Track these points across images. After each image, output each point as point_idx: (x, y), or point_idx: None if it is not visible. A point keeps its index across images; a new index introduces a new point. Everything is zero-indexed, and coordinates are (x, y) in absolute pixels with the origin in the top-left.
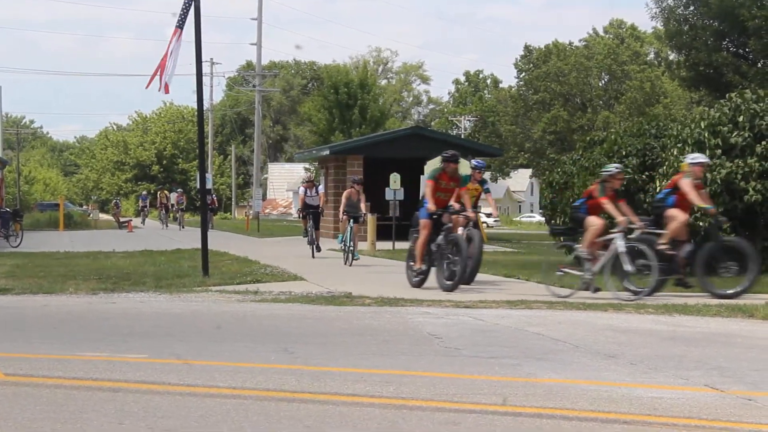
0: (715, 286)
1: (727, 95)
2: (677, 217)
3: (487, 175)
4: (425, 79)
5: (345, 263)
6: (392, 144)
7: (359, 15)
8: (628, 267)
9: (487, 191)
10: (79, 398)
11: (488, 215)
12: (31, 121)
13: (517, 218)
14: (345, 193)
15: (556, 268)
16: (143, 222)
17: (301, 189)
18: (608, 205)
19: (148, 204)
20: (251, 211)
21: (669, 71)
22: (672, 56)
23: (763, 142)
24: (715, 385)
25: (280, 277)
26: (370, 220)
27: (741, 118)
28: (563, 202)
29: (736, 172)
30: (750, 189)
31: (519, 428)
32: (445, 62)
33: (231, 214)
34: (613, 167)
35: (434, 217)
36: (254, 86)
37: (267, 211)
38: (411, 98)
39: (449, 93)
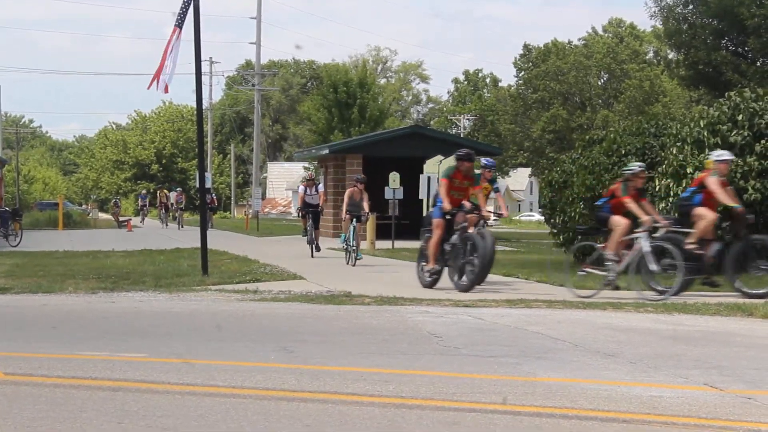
0: (744, 285)
1: (726, 94)
2: (706, 216)
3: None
4: (424, 78)
5: (347, 263)
6: (391, 143)
7: (358, 14)
8: (653, 267)
9: (497, 190)
10: (78, 397)
11: (499, 215)
12: (31, 121)
13: (517, 217)
14: (347, 192)
15: (578, 268)
16: (142, 221)
17: (301, 188)
18: (631, 204)
19: (147, 203)
20: (251, 210)
21: (668, 70)
22: (671, 55)
23: (762, 141)
24: (715, 383)
25: (280, 276)
26: (370, 219)
27: (740, 117)
28: (562, 201)
29: (735, 171)
30: (749, 188)
31: (518, 427)
32: (444, 61)
33: (230, 213)
34: (635, 166)
35: (447, 216)
36: (253, 85)
37: (266, 210)
38: (410, 97)
39: (448, 92)
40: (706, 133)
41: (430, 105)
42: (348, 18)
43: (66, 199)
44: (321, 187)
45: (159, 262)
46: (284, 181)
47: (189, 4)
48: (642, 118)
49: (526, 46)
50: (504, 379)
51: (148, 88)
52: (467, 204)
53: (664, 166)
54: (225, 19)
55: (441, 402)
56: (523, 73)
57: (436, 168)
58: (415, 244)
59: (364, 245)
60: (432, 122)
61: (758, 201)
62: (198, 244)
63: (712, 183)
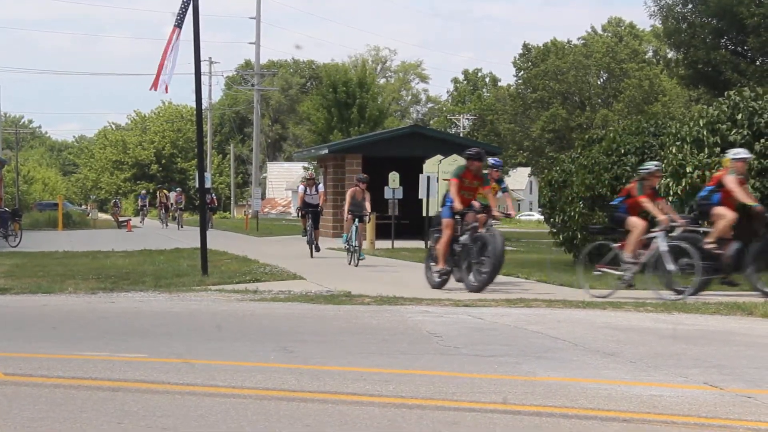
0: (765, 284)
1: (725, 93)
2: (725, 215)
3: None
4: (424, 78)
5: (349, 263)
6: (391, 143)
7: (357, 14)
8: (670, 266)
9: (505, 190)
10: (78, 398)
11: (507, 215)
12: (30, 121)
13: (516, 216)
14: (349, 192)
15: (593, 268)
16: (142, 221)
17: (301, 187)
18: (648, 204)
19: (147, 203)
20: (250, 210)
21: (667, 69)
22: (670, 54)
23: (762, 140)
24: (714, 382)
25: (280, 276)
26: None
27: (739, 116)
28: (562, 201)
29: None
30: (749, 187)
31: (518, 426)
32: (443, 61)
33: (230, 213)
34: (651, 165)
35: (456, 216)
36: (253, 85)
37: (266, 210)
38: (410, 97)
39: (448, 92)
40: (705, 132)
41: (430, 105)
42: (347, 18)
43: (65, 200)
44: (321, 186)
45: (159, 262)
46: (284, 181)
47: (188, 3)
48: (641, 117)
49: (525, 46)
50: (504, 379)
51: (151, 89)
52: (476, 204)
53: (663, 166)
54: (224, 19)
55: (441, 402)
56: (522, 72)
57: (435, 168)
58: (415, 244)
59: (363, 245)
60: (431, 122)
61: (758, 200)
62: (198, 244)
63: (730, 181)
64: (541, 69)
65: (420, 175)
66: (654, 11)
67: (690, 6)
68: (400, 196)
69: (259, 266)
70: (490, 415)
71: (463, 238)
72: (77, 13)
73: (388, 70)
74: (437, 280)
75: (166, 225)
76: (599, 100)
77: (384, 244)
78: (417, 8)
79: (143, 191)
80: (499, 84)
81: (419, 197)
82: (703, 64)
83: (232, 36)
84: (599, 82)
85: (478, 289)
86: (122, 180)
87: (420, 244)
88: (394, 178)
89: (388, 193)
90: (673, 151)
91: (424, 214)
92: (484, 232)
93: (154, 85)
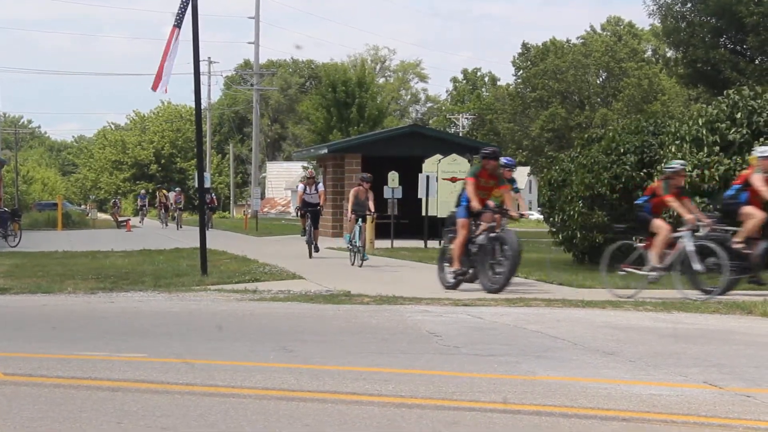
0: None
1: (724, 92)
2: (754, 214)
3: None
4: (423, 78)
5: (352, 263)
6: (390, 142)
7: (357, 13)
8: (697, 266)
9: (517, 191)
10: (78, 398)
11: (521, 215)
12: (29, 121)
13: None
14: (352, 192)
15: (618, 268)
16: (142, 221)
17: (300, 186)
18: (674, 203)
19: (147, 203)
20: (250, 210)
21: (667, 68)
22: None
23: (761, 139)
24: (714, 382)
25: (279, 276)
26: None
27: (739, 115)
28: (561, 200)
29: (734, 169)
30: None
31: (518, 426)
32: (443, 60)
33: (229, 213)
34: (677, 164)
35: (471, 216)
36: (252, 85)
37: (265, 209)
38: (409, 96)
39: (447, 91)
40: (704, 131)
41: (429, 104)
42: (346, 18)
43: (65, 200)
44: (321, 186)
45: (158, 262)
46: (283, 180)
47: (187, 3)
48: (641, 116)
49: (524, 45)
50: (503, 378)
51: (154, 90)
52: (491, 203)
53: (663, 165)
54: (223, 18)
55: (440, 401)
56: (521, 71)
57: (434, 167)
58: (414, 244)
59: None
60: (431, 121)
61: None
62: (197, 244)
63: (757, 180)
64: (540, 68)
65: (419, 175)
66: (653, 10)
67: (689, 5)
68: (400, 196)
69: (259, 266)
70: (489, 415)
71: (480, 239)
72: (77, 13)
73: (388, 69)
74: (452, 280)
75: (166, 225)
76: (598, 99)
77: (383, 243)
78: (416, 8)
79: (143, 191)
80: (499, 83)
81: (418, 197)
82: (702, 63)
83: (231, 36)
84: (598, 82)
85: (497, 290)
86: (121, 180)
87: (419, 243)
88: (393, 177)
89: (387, 193)
90: (673, 150)
91: (424, 213)
92: (501, 233)
93: (156, 86)
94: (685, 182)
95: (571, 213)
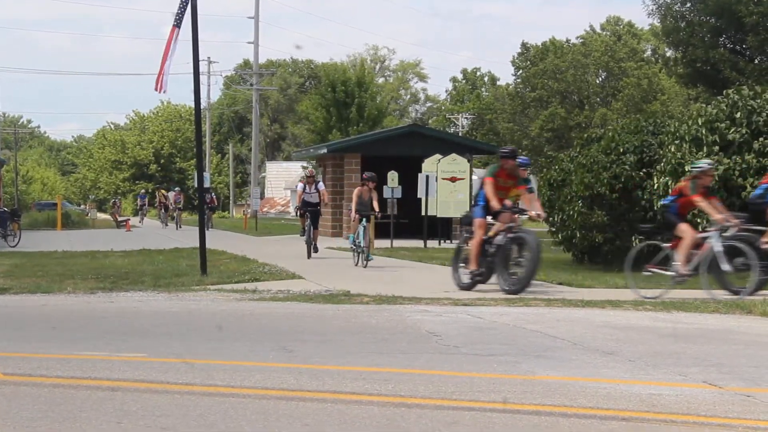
0: None
1: (724, 92)
2: None
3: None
4: (422, 77)
5: (356, 264)
6: (390, 142)
7: (356, 13)
8: (725, 266)
9: (531, 191)
10: (77, 397)
11: (538, 216)
12: (29, 121)
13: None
14: (356, 191)
15: (643, 269)
16: (141, 221)
17: (300, 186)
18: (702, 203)
19: (146, 203)
20: (249, 210)
21: (666, 68)
22: (669, 53)
23: (761, 139)
24: (714, 381)
25: (279, 276)
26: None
27: (738, 115)
28: (561, 200)
29: (733, 169)
30: (747, 186)
31: (517, 426)
32: (442, 60)
33: (229, 212)
34: (704, 163)
35: (487, 216)
36: (251, 85)
37: (265, 209)
38: (408, 96)
39: (446, 91)
40: (704, 131)
41: (429, 104)
42: (346, 17)
43: (64, 199)
44: (321, 185)
45: (158, 262)
46: (283, 180)
47: (187, 3)
48: (640, 116)
49: (524, 45)
50: (503, 378)
51: (159, 90)
52: (508, 202)
53: (662, 164)
54: (223, 18)
55: (440, 401)
56: (521, 71)
57: (434, 167)
58: (414, 243)
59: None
60: (430, 121)
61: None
62: (197, 244)
63: None
64: (539, 68)
65: (419, 175)
66: (652, 10)
67: (689, 4)
68: (399, 196)
69: (258, 266)
70: (489, 415)
71: (498, 239)
72: (77, 13)
73: (387, 69)
74: (467, 281)
75: (166, 225)
76: (598, 99)
77: (383, 243)
78: (416, 8)
79: (142, 191)
80: (498, 83)
81: (418, 196)
82: (701, 63)
83: (230, 35)
84: (598, 81)
85: (516, 291)
86: (121, 180)
87: (419, 243)
88: (392, 177)
89: (386, 193)
90: (672, 149)
91: (423, 213)
92: (521, 233)
93: (158, 87)
94: (712, 181)
95: (571, 213)
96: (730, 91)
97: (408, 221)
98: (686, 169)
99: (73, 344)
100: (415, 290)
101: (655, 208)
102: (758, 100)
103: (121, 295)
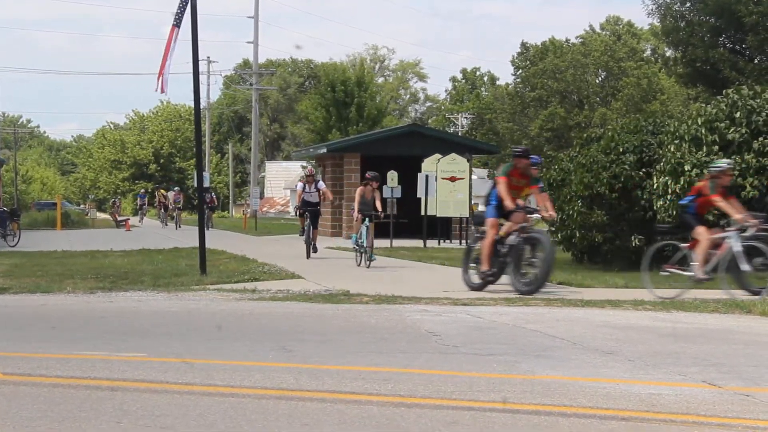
0: None
1: (723, 91)
2: None
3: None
4: (422, 77)
5: (359, 264)
6: (389, 142)
7: (356, 13)
8: (744, 266)
9: (543, 190)
10: (77, 397)
11: (550, 216)
12: (28, 121)
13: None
14: (358, 191)
15: (660, 269)
16: (141, 221)
17: (299, 185)
18: (721, 203)
19: (146, 202)
20: (249, 210)
21: (666, 68)
22: (669, 53)
23: (760, 138)
24: (713, 381)
25: (278, 276)
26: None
27: (738, 114)
28: (560, 200)
29: (733, 169)
30: (747, 185)
31: (517, 425)
32: (442, 60)
33: (228, 212)
34: (723, 163)
35: (500, 216)
36: (251, 84)
37: (264, 209)
38: (408, 96)
39: (446, 90)
40: (703, 131)
41: (428, 104)
42: (346, 17)
43: (64, 199)
44: (321, 183)
45: (157, 261)
46: (282, 180)
47: (186, 3)
48: (640, 115)
49: (523, 45)
50: (502, 378)
51: (161, 91)
52: (521, 202)
53: (662, 164)
54: (223, 18)
55: (439, 401)
56: (520, 71)
57: (434, 167)
58: (413, 243)
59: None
60: (430, 121)
61: (756, 198)
62: (196, 244)
63: None
64: (539, 68)
65: (418, 174)
66: (652, 10)
67: (688, 4)
68: (399, 195)
69: (258, 265)
70: (488, 414)
71: (511, 239)
72: (76, 13)
73: (387, 69)
74: (477, 281)
75: (166, 224)
76: (597, 99)
77: (382, 243)
78: (416, 8)
79: (142, 190)
80: (498, 83)
81: (417, 196)
82: (701, 63)
83: (230, 35)
84: (597, 81)
85: (530, 292)
86: (121, 179)
87: (418, 243)
88: (392, 177)
89: (386, 192)
90: (672, 149)
91: (423, 213)
92: (534, 233)
93: (159, 88)
94: (730, 181)
95: (570, 212)
96: (729, 90)
97: (407, 221)
98: (685, 169)
99: (72, 344)
100: (414, 290)
101: (655, 207)
102: (758, 100)
103: (120, 294)
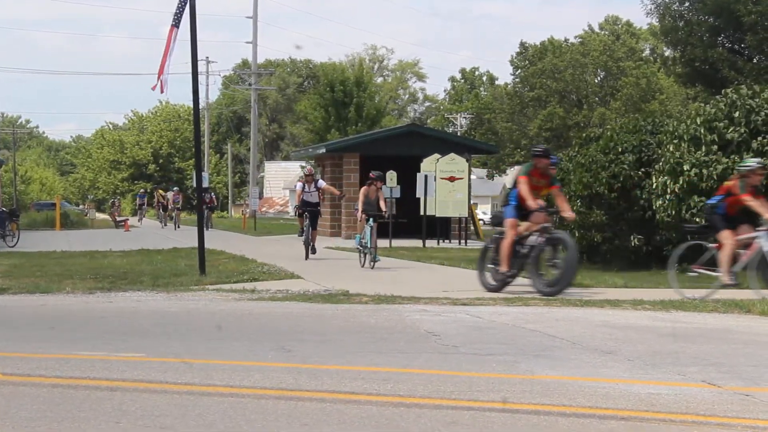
0: None
1: (722, 91)
2: None
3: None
4: (421, 77)
5: (362, 265)
6: (388, 142)
7: (355, 13)
8: None
9: (561, 190)
10: (76, 397)
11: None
12: (27, 121)
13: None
14: (362, 191)
15: (689, 269)
16: (140, 221)
17: (299, 185)
18: (752, 202)
19: (145, 202)
20: (248, 210)
21: (665, 67)
22: (668, 52)
23: (759, 138)
24: (713, 381)
25: (277, 276)
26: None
27: (737, 114)
28: None
29: (732, 168)
30: None
31: (516, 425)
32: (441, 60)
33: (228, 212)
34: (753, 162)
35: (520, 216)
36: (250, 84)
37: (264, 209)
38: (407, 96)
39: (445, 90)
40: (702, 131)
41: (427, 103)
42: (345, 17)
43: (63, 200)
44: (322, 182)
45: (156, 261)
46: (281, 180)
47: (185, 3)
48: (639, 115)
49: (522, 44)
50: (502, 378)
51: (161, 91)
52: (541, 202)
53: (661, 164)
54: (222, 18)
55: (439, 400)
56: (519, 71)
57: (433, 166)
58: (413, 243)
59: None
60: (429, 121)
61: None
62: (195, 244)
63: None
64: (538, 67)
65: (417, 174)
66: (651, 9)
67: (687, 4)
68: (398, 195)
69: (257, 265)
70: (488, 414)
71: (532, 239)
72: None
73: (386, 69)
74: (493, 283)
75: (165, 224)
76: (596, 99)
77: (381, 243)
78: (415, 8)
79: (141, 190)
80: (497, 83)
81: (417, 196)
82: (700, 62)
83: (229, 35)
84: (596, 81)
85: (554, 293)
86: (120, 180)
87: (417, 243)
88: (391, 177)
89: (385, 192)
90: (671, 149)
91: (422, 213)
92: (557, 234)
93: (158, 88)
94: (761, 180)
95: None
96: (728, 90)
97: (407, 221)
98: (684, 169)
99: (71, 344)
100: (413, 290)
101: (654, 207)
102: (756, 100)
103: (119, 295)
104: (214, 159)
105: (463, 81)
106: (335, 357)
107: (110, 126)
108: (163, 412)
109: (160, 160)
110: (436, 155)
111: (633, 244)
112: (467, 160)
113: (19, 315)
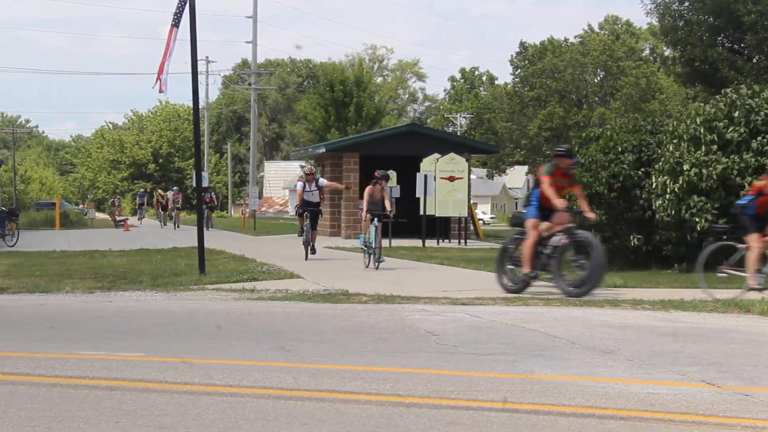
0: None
1: (722, 91)
2: None
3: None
4: (421, 77)
5: (367, 266)
6: (388, 141)
7: (355, 13)
8: None
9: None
10: (75, 397)
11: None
12: (27, 121)
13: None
14: (367, 190)
15: (717, 270)
16: (140, 220)
17: (299, 184)
18: None
19: (145, 202)
20: (248, 210)
21: (664, 67)
22: (667, 52)
23: (759, 138)
24: (712, 380)
25: (277, 275)
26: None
27: (736, 114)
28: None
29: (731, 168)
30: (746, 185)
31: (516, 425)
32: (441, 59)
33: (227, 212)
34: None
35: (542, 216)
36: (250, 84)
37: (263, 209)
38: (407, 96)
39: (445, 90)
40: (702, 130)
41: (427, 103)
42: (345, 17)
43: (63, 199)
44: (322, 180)
45: (156, 261)
46: (281, 179)
47: (185, 3)
48: (638, 115)
49: (522, 44)
50: (501, 377)
51: (160, 90)
52: (565, 202)
53: (660, 163)
54: (221, 18)
55: (438, 400)
56: (519, 70)
57: (432, 166)
58: (412, 243)
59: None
60: (428, 120)
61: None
62: (195, 243)
63: None
64: (538, 67)
65: (417, 174)
66: (651, 9)
67: (687, 4)
68: (398, 195)
69: (257, 265)
70: (487, 414)
71: (555, 240)
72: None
73: (385, 68)
74: (514, 285)
75: (165, 224)
76: (596, 98)
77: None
78: (415, 7)
79: (141, 190)
80: (496, 82)
81: (416, 196)
82: (700, 62)
83: (229, 35)
84: (596, 80)
85: (580, 295)
86: (119, 179)
87: (417, 242)
88: (391, 176)
89: None
90: (671, 149)
91: (422, 212)
92: (583, 235)
93: (158, 88)
94: None
95: None
96: (728, 90)
97: (406, 220)
98: (684, 168)
99: (71, 344)
100: (413, 290)
101: (654, 207)
102: (756, 99)
103: (119, 294)
104: (214, 159)
105: (462, 81)
106: (335, 356)
107: (110, 125)
108: (162, 412)
109: (160, 160)
110: (436, 155)
111: (632, 244)
112: (467, 160)
113: (19, 314)
